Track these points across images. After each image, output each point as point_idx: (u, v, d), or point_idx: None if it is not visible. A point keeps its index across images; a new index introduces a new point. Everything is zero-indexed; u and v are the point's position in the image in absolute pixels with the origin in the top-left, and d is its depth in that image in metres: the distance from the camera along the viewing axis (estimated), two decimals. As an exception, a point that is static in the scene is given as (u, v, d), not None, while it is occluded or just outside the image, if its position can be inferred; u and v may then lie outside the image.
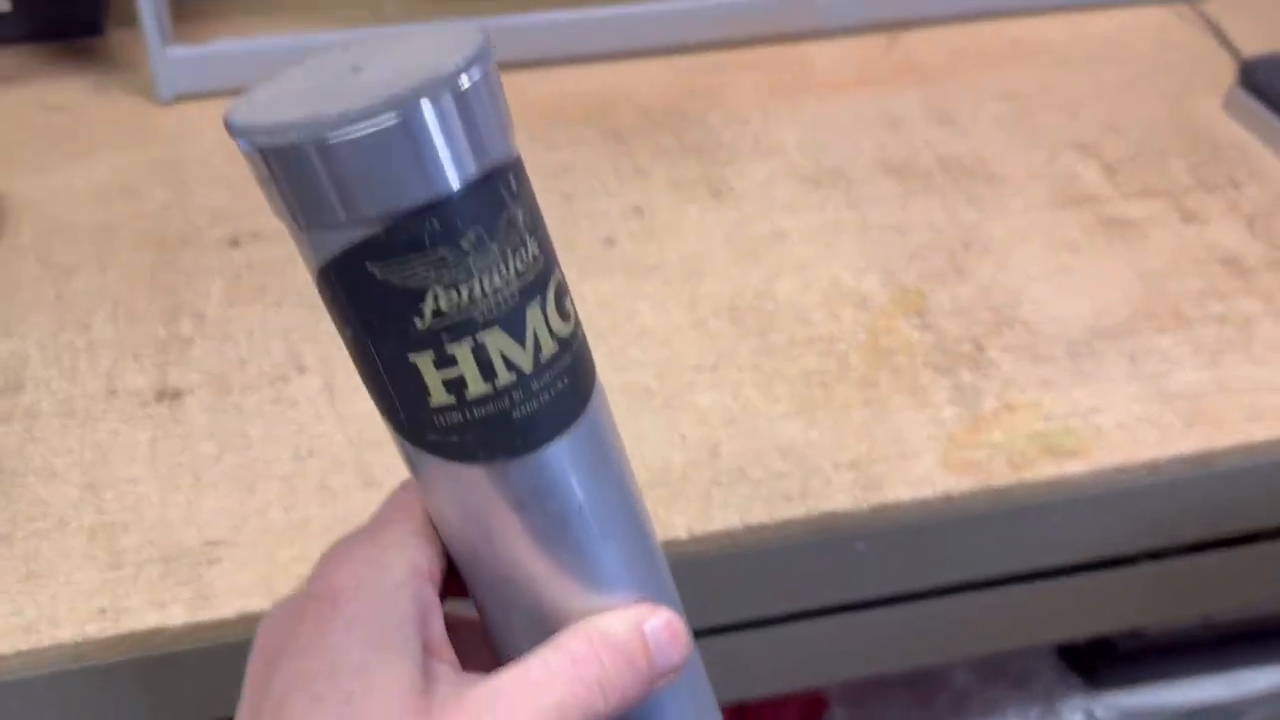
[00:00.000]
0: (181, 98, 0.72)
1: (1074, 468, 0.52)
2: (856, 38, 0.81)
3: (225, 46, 0.72)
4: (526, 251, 0.24)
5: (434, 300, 0.23)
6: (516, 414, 0.25)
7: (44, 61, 0.75)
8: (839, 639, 0.57)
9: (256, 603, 0.47)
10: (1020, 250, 0.64)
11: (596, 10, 0.78)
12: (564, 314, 0.26)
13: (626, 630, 0.27)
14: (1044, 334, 0.59)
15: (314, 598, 0.26)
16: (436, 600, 0.27)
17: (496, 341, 0.24)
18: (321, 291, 0.25)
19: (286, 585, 0.47)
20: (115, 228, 0.64)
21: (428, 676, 0.25)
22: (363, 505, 0.50)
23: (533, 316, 0.25)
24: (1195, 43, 0.81)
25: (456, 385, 0.24)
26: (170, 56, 0.70)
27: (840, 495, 0.51)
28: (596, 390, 0.28)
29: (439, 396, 0.24)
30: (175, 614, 0.46)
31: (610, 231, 0.65)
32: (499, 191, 0.24)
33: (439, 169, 0.22)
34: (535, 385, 0.25)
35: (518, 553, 0.27)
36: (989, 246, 0.64)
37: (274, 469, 0.52)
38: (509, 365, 0.25)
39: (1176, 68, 0.78)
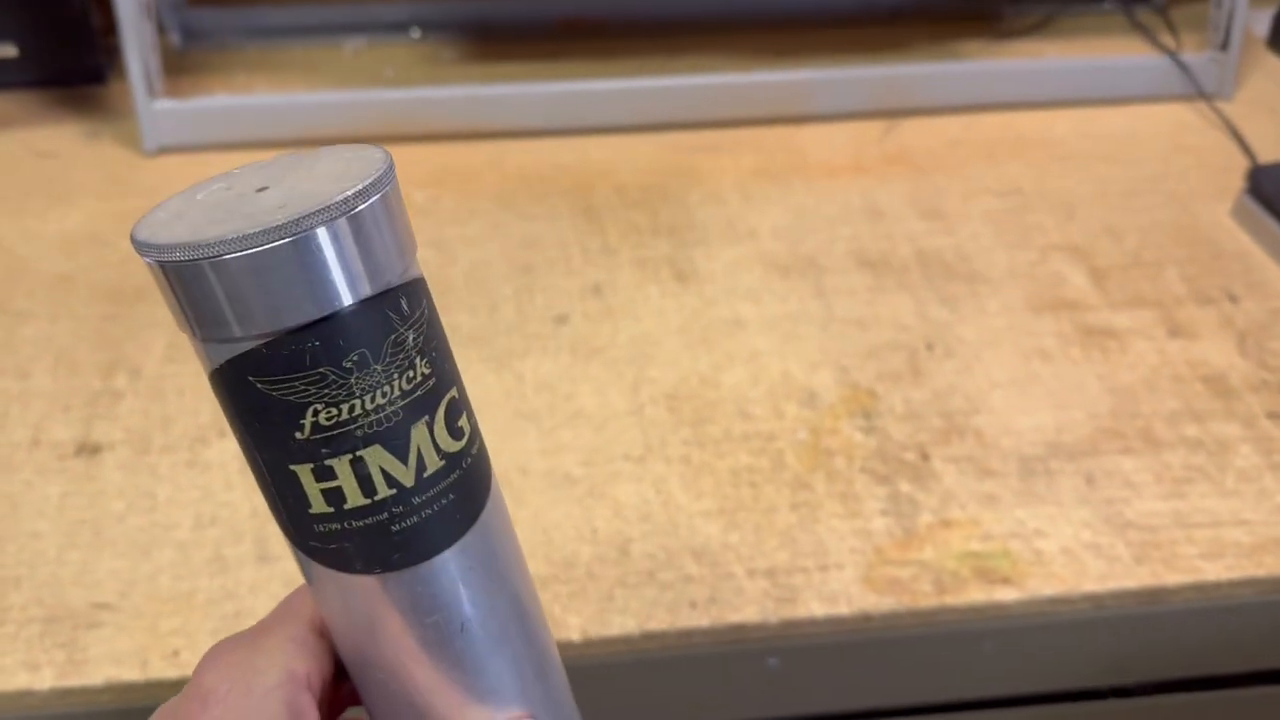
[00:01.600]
0: (166, 150, 0.73)
1: (1005, 595, 0.49)
2: (853, 123, 0.79)
3: (212, 102, 0.73)
4: (415, 371, 0.25)
5: (313, 415, 0.24)
6: (395, 528, 0.25)
7: (44, 107, 0.77)
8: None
9: (128, 672, 0.46)
10: (987, 355, 0.60)
11: (587, 83, 0.77)
12: (455, 432, 0.26)
13: None
14: (997, 446, 0.55)
15: (186, 698, 0.27)
16: (313, 708, 0.27)
17: (376, 457, 0.24)
18: (215, 392, 0.25)
19: (161, 657, 0.46)
20: (75, 277, 0.65)
21: None
22: (253, 580, 0.49)
23: (418, 434, 0.25)
24: (1210, 145, 0.77)
25: (335, 497, 0.25)
26: (156, 109, 0.71)
27: (750, 606, 0.48)
28: (491, 502, 0.28)
29: (318, 506, 0.25)
30: (45, 677, 0.45)
31: (565, 309, 0.63)
32: (386, 314, 0.24)
33: (325, 292, 0.23)
34: (416, 501, 0.25)
35: (401, 660, 0.27)
36: (954, 349, 0.61)
37: (173, 534, 0.51)
38: (389, 481, 0.25)
39: (1187, 171, 0.75)
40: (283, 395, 0.23)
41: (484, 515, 0.27)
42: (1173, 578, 0.49)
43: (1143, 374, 0.59)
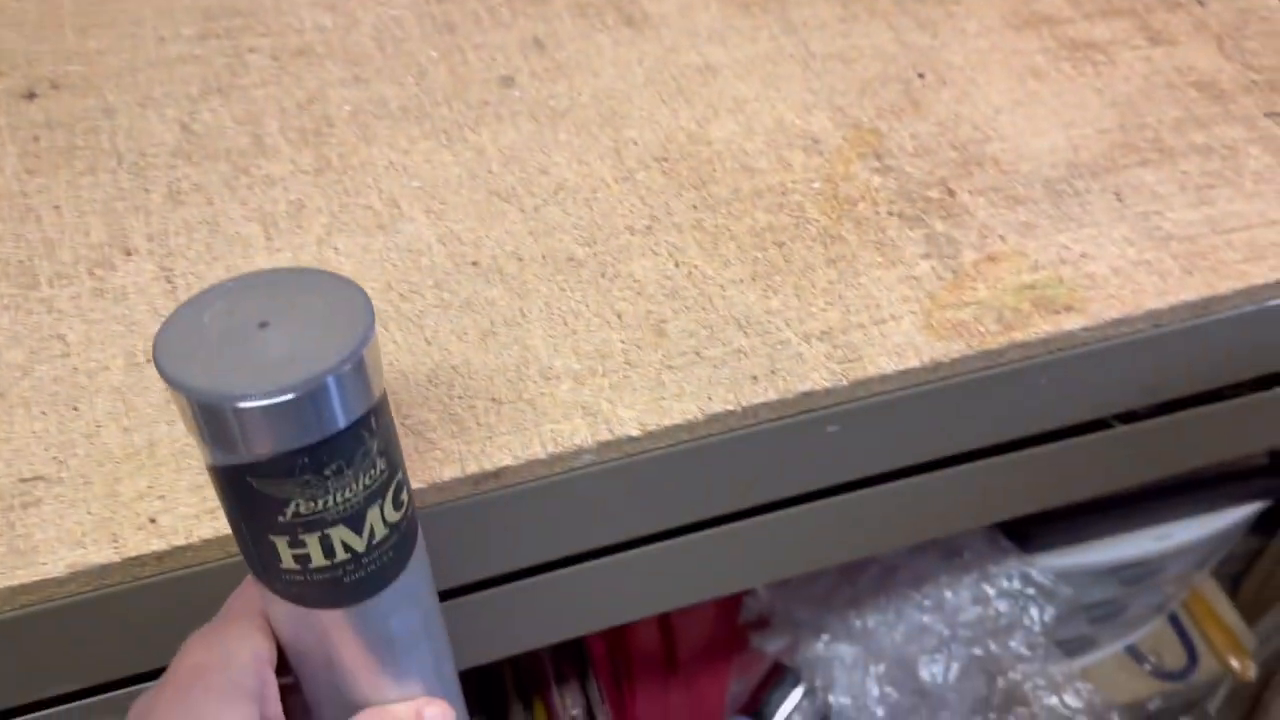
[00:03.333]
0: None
1: (1072, 323, 0.45)
2: None
3: None
4: (375, 469, 0.30)
5: (295, 506, 0.29)
6: (347, 580, 0.31)
7: None
8: (793, 533, 0.50)
9: (96, 554, 0.36)
10: (981, 79, 0.55)
11: None
12: (398, 505, 0.32)
13: (407, 713, 0.35)
14: (1018, 172, 0.51)
15: (174, 673, 0.32)
16: (274, 680, 0.33)
17: (339, 534, 0.30)
18: (210, 477, 0.30)
19: (134, 528, 0.37)
20: None
21: None
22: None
23: (372, 514, 0.31)
24: None
25: (303, 559, 0.30)
26: None
27: (815, 372, 0.43)
28: (417, 546, 0.34)
29: (288, 563, 0.30)
30: (-13, 578, 0.35)
31: (507, 68, 0.54)
32: (360, 433, 0.29)
33: (320, 424, 0.28)
34: (365, 560, 0.31)
35: (333, 659, 0.33)
36: (946, 76, 0.55)
37: (103, 379, 0.40)
38: (346, 548, 0.31)
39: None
40: (273, 491, 0.28)
41: (412, 559, 0.33)
42: (1224, 285, 0.47)
43: (1137, 85, 0.56)
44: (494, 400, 0.41)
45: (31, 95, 0.50)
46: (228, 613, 0.34)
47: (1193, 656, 1.01)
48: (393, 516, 0.31)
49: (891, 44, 0.57)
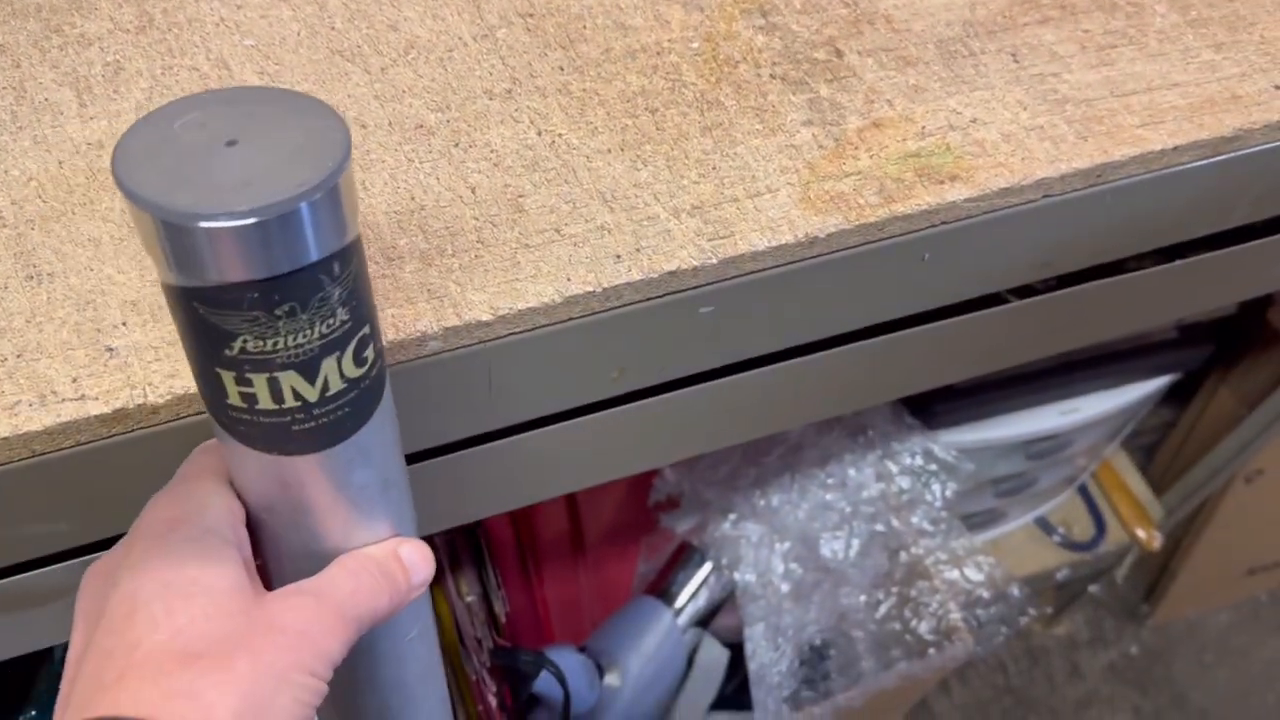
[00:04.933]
0: None
1: (956, 193, 0.43)
2: None
3: None
4: (335, 319, 0.28)
5: (241, 342, 0.27)
6: (295, 428, 0.29)
7: None
8: (678, 416, 0.48)
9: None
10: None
11: None
12: (360, 361, 0.29)
13: (384, 554, 0.33)
14: (910, 31, 0.48)
15: (145, 526, 0.30)
16: (248, 537, 0.32)
17: (289, 379, 0.28)
18: (164, 295, 0.28)
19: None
20: None
21: (251, 582, 0.31)
22: (20, 306, 0.36)
23: (327, 365, 0.28)
24: None
25: (249, 399, 0.28)
26: None
27: (683, 250, 0.40)
28: (383, 402, 0.31)
29: (234, 400, 0.28)
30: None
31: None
32: (319, 277, 0.27)
33: (269, 261, 0.25)
34: (316, 412, 0.29)
35: (299, 507, 0.32)
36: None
37: (-112, 267, 0.36)
38: (296, 395, 0.29)
39: None
40: (219, 322, 0.26)
41: (374, 417, 0.31)
42: (1119, 151, 0.45)
43: (1044, -64, 0.52)
44: (331, 283, 0.38)
45: None
46: (187, 474, 0.32)
47: (1101, 527, 1.03)
48: (353, 372, 0.29)
49: (783, -110, 0.52)
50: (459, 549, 0.69)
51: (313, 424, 0.29)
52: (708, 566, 0.81)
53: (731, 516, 0.80)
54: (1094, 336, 0.61)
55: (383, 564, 0.33)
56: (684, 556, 0.83)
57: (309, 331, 0.27)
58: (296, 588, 0.31)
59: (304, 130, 0.26)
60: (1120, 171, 0.45)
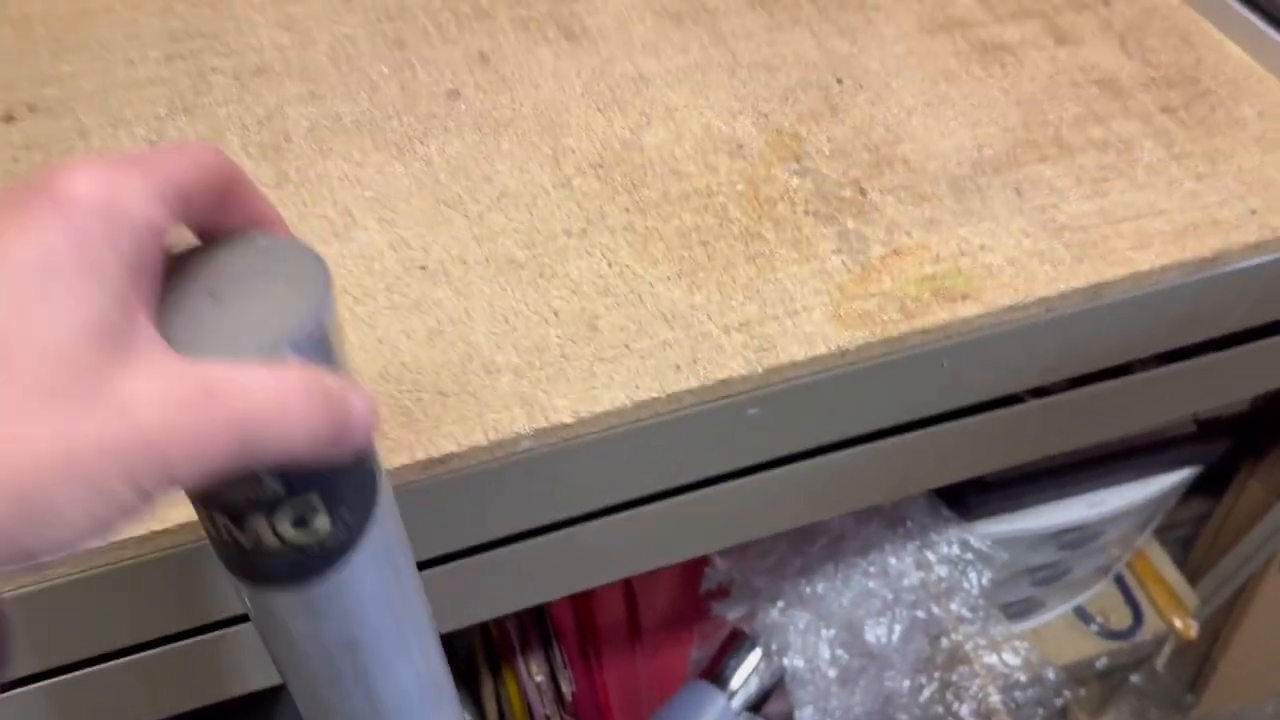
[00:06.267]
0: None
1: (967, 310, 0.50)
2: None
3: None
4: (261, 484, 0.27)
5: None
6: (234, 558, 0.30)
7: None
8: (729, 505, 0.55)
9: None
10: (896, 83, 0.60)
11: None
12: (303, 526, 0.28)
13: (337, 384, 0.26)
14: (925, 171, 0.56)
15: (39, 192, 0.23)
16: (160, 275, 0.25)
17: (220, 519, 0.28)
18: None
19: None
20: None
21: (130, 321, 0.23)
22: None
23: (256, 521, 0.28)
24: None
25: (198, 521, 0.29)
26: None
27: (733, 361, 0.47)
28: (345, 569, 0.30)
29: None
30: None
31: (454, 82, 0.58)
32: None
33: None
34: (253, 557, 0.29)
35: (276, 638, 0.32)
36: (863, 81, 0.60)
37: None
38: (229, 534, 0.28)
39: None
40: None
41: (328, 580, 0.30)
42: (1111, 271, 0.52)
43: (1042, 84, 0.60)
44: (440, 393, 0.45)
45: (10, 119, 0.54)
46: (148, 157, 0.25)
47: (1138, 616, 1.06)
48: (291, 535, 0.28)
49: (813, 51, 0.61)
50: (528, 630, 0.75)
51: (251, 562, 0.28)
52: (758, 652, 0.86)
53: (780, 604, 0.85)
54: (1109, 433, 0.67)
55: (314, 380, 0.25)
56: (736, 642, 0.88)
57: (232, 489, 0.26)
58: (198, 373, 0.23)
59: (289, 280, 0.25)
60: (1113, 289, 0.52)
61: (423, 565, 0.49)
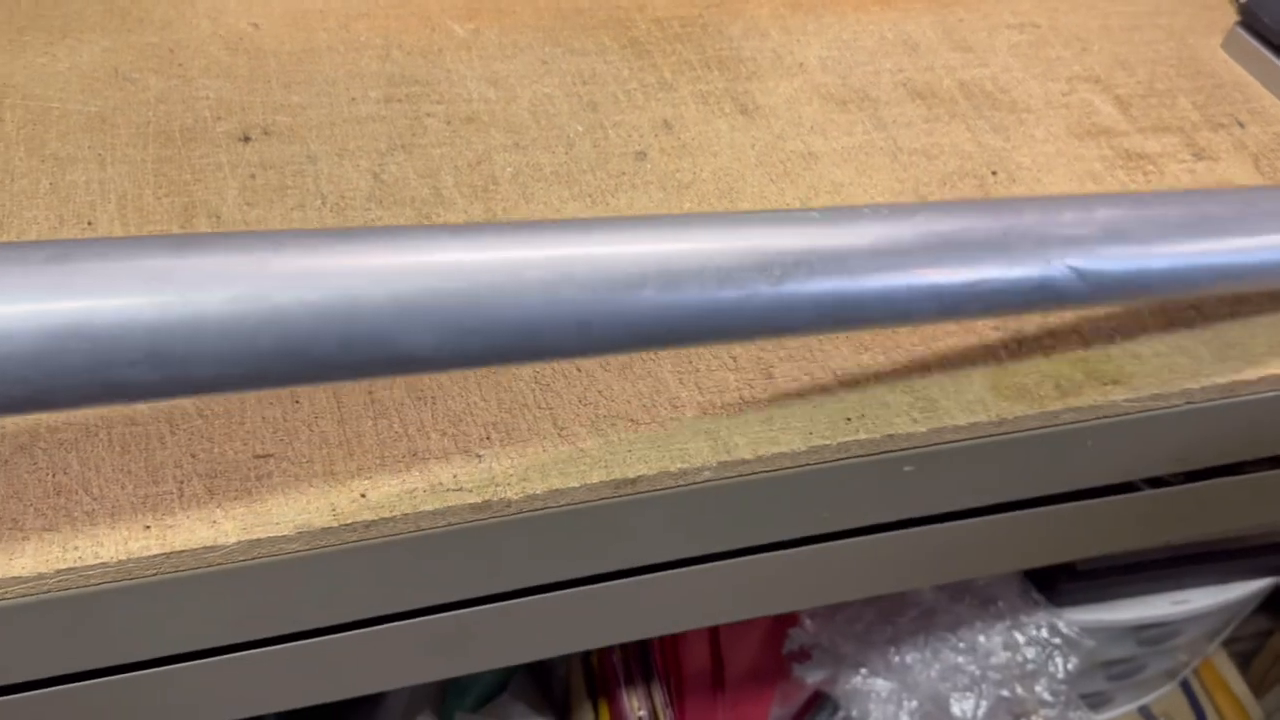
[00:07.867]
0: (168, -23, 0.66)
1: (1117, 394, 0.53)
2: (868, -44, 0.79)
3: (218, -77, 0.66)
4: None
5: None
6: None
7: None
8: (833, 562, 0.58)
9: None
10: (1047, 179, 0.64)
11: (609, -90, 0.74)
12: None
13: None
14: (1076, 264, 0.60)
15: None
16: None
17: None
18: None
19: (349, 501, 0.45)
20: (110, 117, 0.59)
21: None
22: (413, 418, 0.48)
23: None
24: (1192, -18, 0.82)
25: None
26: (158, -70, 0.64)
27: (898, 418, 0.51)
28: None
29: None
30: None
31: (641, 145, 0.63)
32: None
33: None
34: None
35: None
36: (1015, 175, 0.64)
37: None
38: None
39: (1179, 8, 0.80)
40: None
41: None
42: (1250, 372, 0.55)
43: (1182, 194, 0.65)
44: (632, 421, 0.50)
45: (246, 139, 0.59)
46: None
47: (1202, 723, 1.07)
48: None
49: (969, 143, 0.66)
50: (631, 665, 0.78)
51: None
52: (839, 717, 0.89)
53: (863, 671, 0.88)
54: (1209, 528, 0.70)
55: None
56: (817, 704, 0.90)
57: None
58: None
59: None
60: (1249, 388, 0.55)
61: (592, 579, 0.53)
